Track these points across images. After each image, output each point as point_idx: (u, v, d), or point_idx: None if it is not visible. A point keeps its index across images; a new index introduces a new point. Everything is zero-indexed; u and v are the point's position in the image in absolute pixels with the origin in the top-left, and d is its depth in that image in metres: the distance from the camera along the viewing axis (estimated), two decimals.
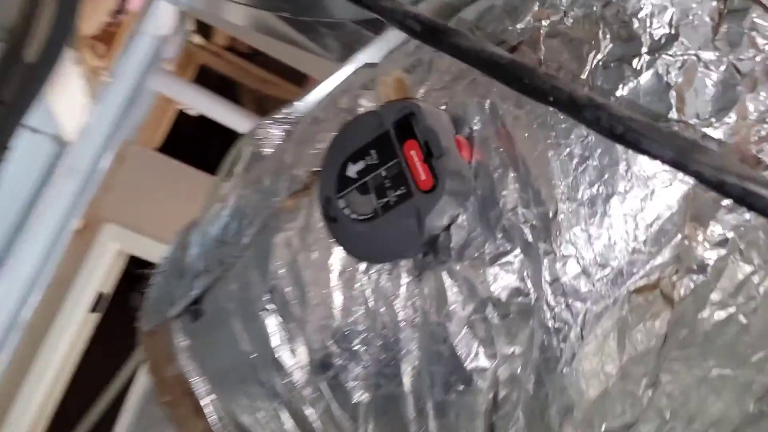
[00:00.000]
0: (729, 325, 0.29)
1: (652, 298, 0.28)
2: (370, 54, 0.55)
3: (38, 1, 0.61)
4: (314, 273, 0.38)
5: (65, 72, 0.85)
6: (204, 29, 1.68)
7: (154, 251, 1.60)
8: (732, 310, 0.28)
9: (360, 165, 0.34)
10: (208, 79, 1.76)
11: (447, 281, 0.33)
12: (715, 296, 0.28)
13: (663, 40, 0.29)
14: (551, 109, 0.28)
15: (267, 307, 0.40)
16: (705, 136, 0.25)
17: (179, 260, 0.49)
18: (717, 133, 0.27)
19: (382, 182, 0.33)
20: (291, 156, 0.41)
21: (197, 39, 1.65)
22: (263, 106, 1.79)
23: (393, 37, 0.55)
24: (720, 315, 0.29)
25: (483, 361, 0.33)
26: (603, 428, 0.30)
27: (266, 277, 0.40)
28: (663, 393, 0.31)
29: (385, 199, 0.33)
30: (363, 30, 0.90)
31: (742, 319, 0.29)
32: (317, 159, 0.38)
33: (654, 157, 0.20)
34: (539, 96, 0.22)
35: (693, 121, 0.27)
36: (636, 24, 0.29)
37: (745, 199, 0.19)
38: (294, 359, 0.40)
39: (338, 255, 0.37)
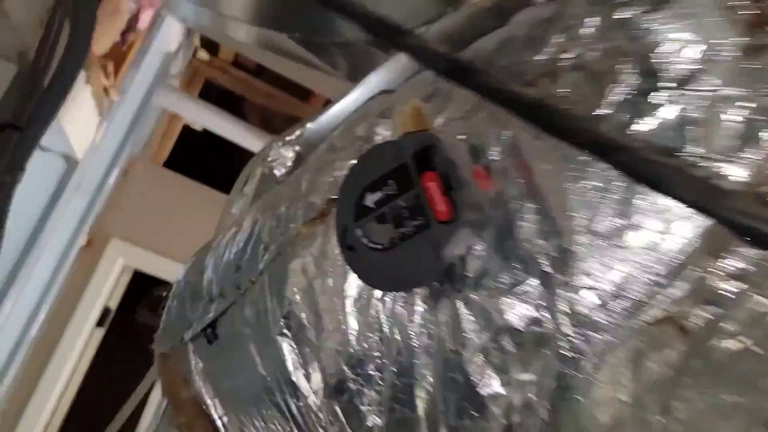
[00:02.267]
0: (743, 356, 0.29)
1: (667, 330, 0.29)
2: (383, 75, 0.56)
3: (53, 27, 0.62)
4: (330, 299, 0.39)
5: (77, 92, 0.86)
6: (210, 45, 1.69)
7: (159, 266, 1.61)
8: (748, 341, 0.29)
9: (378, 195, 0.34)
10: (213, 94, 1.77)
11: (463, 310, 0.34)
12: (730, 327, 0.29)
13: (685, 75, 0.29)
14: None
15: (283, 331, 0.40)
16: (719, 176, 0.26)
17: (194, 284, 0.50)
18: (738, 168, 0.28)
19: (400, 212, 0.33)
20: (307, 183, 0.41)
21: (203, 54, 1.66)
22: (269, 122, 1.79)
23: (405, 60, 0.56)
24: (735, 346, 0.29)
25: (497, 388, 0.33)
26: None
27: (282, 303, 0.40)
28: (676, 420, 0.31)
29: (403, 229, 0.33)
30: (373, 50, 0.90)
31: (758, 350, 0.29)
32: (334, 187, 0.39)
33: (676, 198, 0.20)
34: (563, 135, 0.22)
35: (714, 155, 0.28)
36: (657, 59, 0.29)
37: (763, 241, 0.19)
38: (309, 383, 0.40)
39: (354, 282, 0.38)
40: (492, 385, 0.34)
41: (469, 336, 0.34)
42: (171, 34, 1.30)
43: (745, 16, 0.28)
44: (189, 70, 1.67)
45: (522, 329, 0.32)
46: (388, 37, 0.26)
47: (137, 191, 1.54)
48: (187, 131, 1.82)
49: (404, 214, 0.33)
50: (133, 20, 1.04)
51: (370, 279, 0.35)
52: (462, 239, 0.32)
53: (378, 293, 0.37)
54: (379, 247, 0.34)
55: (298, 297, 0.40)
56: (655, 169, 0.20)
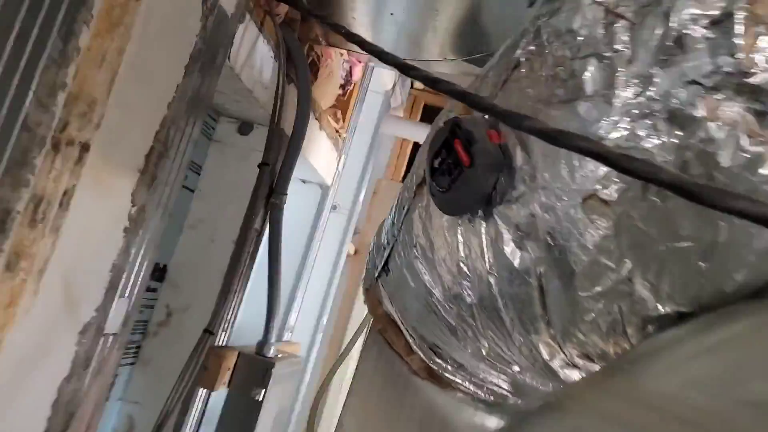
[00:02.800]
0: (654, 211, 0.46)
1: (593, 203, 0.47)
2: None
3: (280, 95, 0.96)
4: (435, 230, 0.62)
5: (315, 137, 1.21)
6: None
7: None
8: (652, 202, 0.45)
9: (439, 159, 0.57)
10: (434, 114, 2.08)
11: (497, 218, 0.55)
12: (634, 194, 0.46)
13: (576, 48, 0.48)
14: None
15: (416, 256, 0.65)
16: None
17: (377, 242, 0.77)
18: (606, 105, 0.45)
19: (450, 167, 0.56)
20: (417, 162, 0.66)
21: (418, 83, 1.98)
22: None
23: None
24: (644, 207, 0.46)
25: (527, 263, 0.54)
26: (597, 288, 0.48)
27: (412, 238, 0.65)
28: (633, 264, 0.48)
29: (452, 176, 0.56)
30: None
31: (660, 204, 0.45)
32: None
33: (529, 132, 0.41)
34: (481, 110, 0.44)
35: (590, 96, 0.46)
36: (561, 42, 0.49)
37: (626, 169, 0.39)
38: (436, 286, 0.64)
39: (444, 216, 0.61)
40: (523, 261, 0.54)
41: (503, 232, 0.55)
42: (384, 77, 1.63)
43: (606, 4, 0.46)
44: (410, 99, 2.01)
45: (525, 222, 0.52)
46: (403, 69, 0.50)
47: (385, 206, 1.90)
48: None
49: (452, 167, 0.56)
50: (349, 75, 1.38)
51: (445, 210, 0.58)
52: (482, 176, 0.54)
53: (458, 220, 0.60)
54: (444, 190, 0.57)
55: (420, 232, 0.64)
56: (512, 116, 0.41)
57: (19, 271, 0.54)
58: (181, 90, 0.68)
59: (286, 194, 1.05)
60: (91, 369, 0.67)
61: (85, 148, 0.56)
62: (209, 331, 0.83)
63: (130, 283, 0.70)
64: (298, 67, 0.95)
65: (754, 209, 0.32)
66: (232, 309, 0.98)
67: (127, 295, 0.70)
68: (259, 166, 0.91)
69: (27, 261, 0.54)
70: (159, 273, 0.99)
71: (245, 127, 0.98)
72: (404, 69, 0.48)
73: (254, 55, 0.86)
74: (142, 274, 0.72)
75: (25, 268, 0.54)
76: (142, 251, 0.70)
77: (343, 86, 1.35)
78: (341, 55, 1.28)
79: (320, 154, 1.27)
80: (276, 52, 0.89)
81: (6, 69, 0.46)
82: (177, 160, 0.72)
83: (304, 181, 1.34)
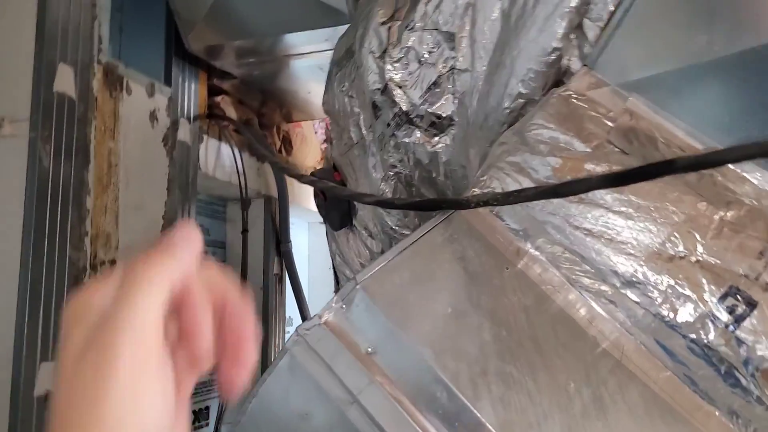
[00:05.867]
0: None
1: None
2: None
3: (246, 177, 1.30)
4: (341, 244, 0.93)
5: (308, 190, 1.54)
6: None
7: None
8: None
9: (317, 198, 0.89)
10: None
11: (357, 225, 0.85)
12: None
13: (343, 118, 0.78)
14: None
15: (339, 262, 0.96)
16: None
17: None
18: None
19: (321, 201, 0.87)
20: None
21: None
22: None
23: None
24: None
25: (380, 247, 0.83)
26: None
27: (334, 253, 0.96)
28: None
29: (322, 207, 0.87)
30: None
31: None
32: None
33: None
34: (295, 177, 0.75)
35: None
36: (337, 116, 0.79)
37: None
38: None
39: (340, 233, 0.91)
40: (377, 246, 0.84)
41: (362, 232, 0.85)
42: None
43: (344, 91, 0.76)
44: None
45: (365, 223, 0.82)
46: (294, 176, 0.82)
47: None
48: None
49: (321, 201, 0.87)
50: (327, 129, 1.71)
51: (332, 228, 0.89)
52: (333, 201, 0.84)
53: (346, 233, 0.90)
54: (324, 217, 0.88)
55: (335, 248, 0.95)
56: (307, 180, 0.72)
57: None
58: (168, 204, 1.04)
59: (290, 241, 1.38)
60: None
61: (112, 263, 0.93)
62: None
63: None
64: (259, 150, 1.29)
65: (401, 202, 0.61)
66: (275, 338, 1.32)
67: None
68: (241, 233, 1.24)
69: None
70: None
71: (245, 204, 1.32)
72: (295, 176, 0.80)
73: (221, 157, 1.21)
74: None
75: None
76: None
77: (325, 140, 1.68)
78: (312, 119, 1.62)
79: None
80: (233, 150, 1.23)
81: (50, 234, 0.83)
82: None
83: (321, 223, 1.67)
